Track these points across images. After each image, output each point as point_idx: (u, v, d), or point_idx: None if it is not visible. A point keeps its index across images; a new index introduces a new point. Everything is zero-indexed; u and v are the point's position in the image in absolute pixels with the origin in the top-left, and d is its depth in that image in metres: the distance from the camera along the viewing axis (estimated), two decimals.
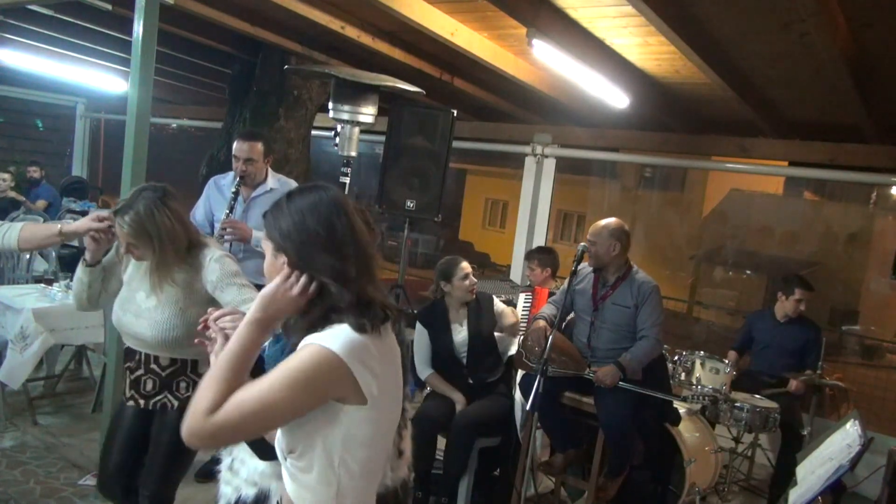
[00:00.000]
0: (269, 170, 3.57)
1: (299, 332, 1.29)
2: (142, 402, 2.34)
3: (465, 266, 3.49)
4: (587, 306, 3.50)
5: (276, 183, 3.57)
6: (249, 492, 1.64)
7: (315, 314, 1.29)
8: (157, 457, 2.32)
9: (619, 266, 3.43)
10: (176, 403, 2.33)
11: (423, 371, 3.55)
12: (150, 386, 2.33)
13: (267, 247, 1.34)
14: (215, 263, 2.26)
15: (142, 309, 2.28)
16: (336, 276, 1.28)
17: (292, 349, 1.28)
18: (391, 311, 1.33)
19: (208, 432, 1.21)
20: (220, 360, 1.28)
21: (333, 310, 1.28)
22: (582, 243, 3.36)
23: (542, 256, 4.26)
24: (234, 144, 3.44)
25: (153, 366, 2.33)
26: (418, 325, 3.58)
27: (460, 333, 3.50)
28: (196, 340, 1.53)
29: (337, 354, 1.22)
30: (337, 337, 1.24)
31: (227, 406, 1.21)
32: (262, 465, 1.63)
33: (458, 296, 3.48)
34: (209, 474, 3.52)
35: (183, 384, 2.34)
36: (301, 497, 1.30)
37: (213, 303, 2.28)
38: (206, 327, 1.49)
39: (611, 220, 3.45)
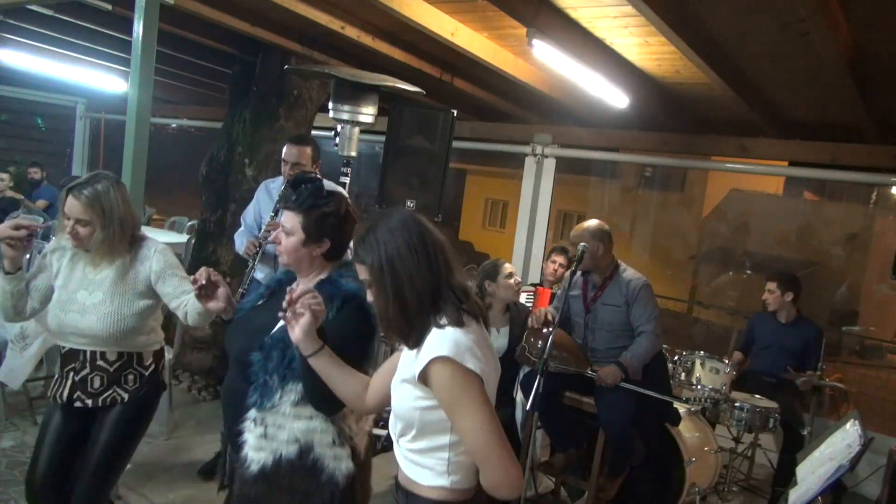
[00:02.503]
0: (318, 175, 3.56)
1: (417, 333, 1.46)
2: (89, 401, 2.30)
3: (509, 266, 3.43)
4: (580, 310, 3.51)
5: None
6: (291, 449, 1.74)
7: (423, 318, 1.46)
8: (95, 455, 2.28)
9: (606, 266, 3.43)
10: (126, 396, 2.33)
11: None
12: (97, 383, 2.30)
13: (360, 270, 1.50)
14: (159, 255, 2.36)
15: (87, 306, 2.27)
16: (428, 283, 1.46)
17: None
18: (480, 308, 1.52)
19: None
20: (324, 369, 1.62)
21: (437, 307, 1.46)
22: (582, 243, 3.32)
23: (569, 253, 4.25)
24: (284, 149, 3.40)
25: (100, 362, 2.31)
26: None
27: (497, 340, 3.39)
28: (279, 315, 1.62)
29: (454, 361, 1.38)
30: (445, 341, 1.40)
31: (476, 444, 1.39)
32: (303, 425, 1.74)
33: (502, 296, 3.38)
34: (211, 472, 3.56)
35: (131, 377, 2.35)
36: (418, 473, 1.48)
37: (155, 293, 2.35)
38: (291, 303, 1.62)
39: (591, 222, 3.44)
